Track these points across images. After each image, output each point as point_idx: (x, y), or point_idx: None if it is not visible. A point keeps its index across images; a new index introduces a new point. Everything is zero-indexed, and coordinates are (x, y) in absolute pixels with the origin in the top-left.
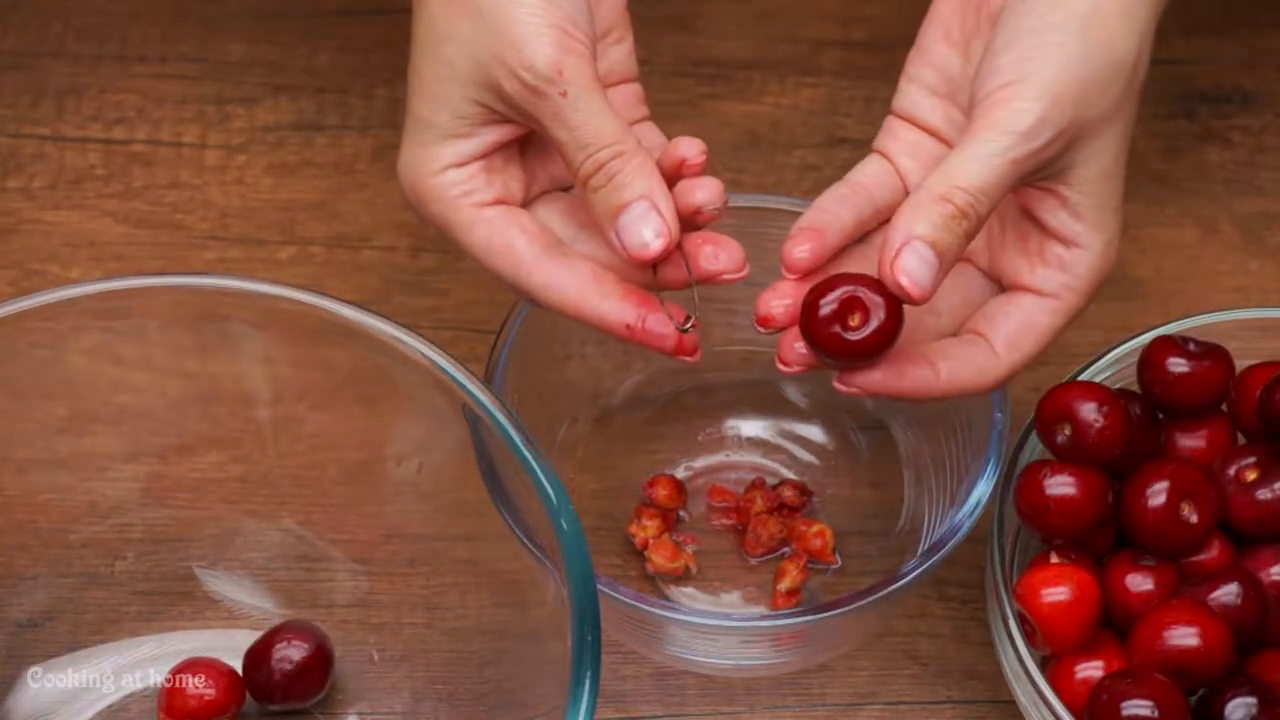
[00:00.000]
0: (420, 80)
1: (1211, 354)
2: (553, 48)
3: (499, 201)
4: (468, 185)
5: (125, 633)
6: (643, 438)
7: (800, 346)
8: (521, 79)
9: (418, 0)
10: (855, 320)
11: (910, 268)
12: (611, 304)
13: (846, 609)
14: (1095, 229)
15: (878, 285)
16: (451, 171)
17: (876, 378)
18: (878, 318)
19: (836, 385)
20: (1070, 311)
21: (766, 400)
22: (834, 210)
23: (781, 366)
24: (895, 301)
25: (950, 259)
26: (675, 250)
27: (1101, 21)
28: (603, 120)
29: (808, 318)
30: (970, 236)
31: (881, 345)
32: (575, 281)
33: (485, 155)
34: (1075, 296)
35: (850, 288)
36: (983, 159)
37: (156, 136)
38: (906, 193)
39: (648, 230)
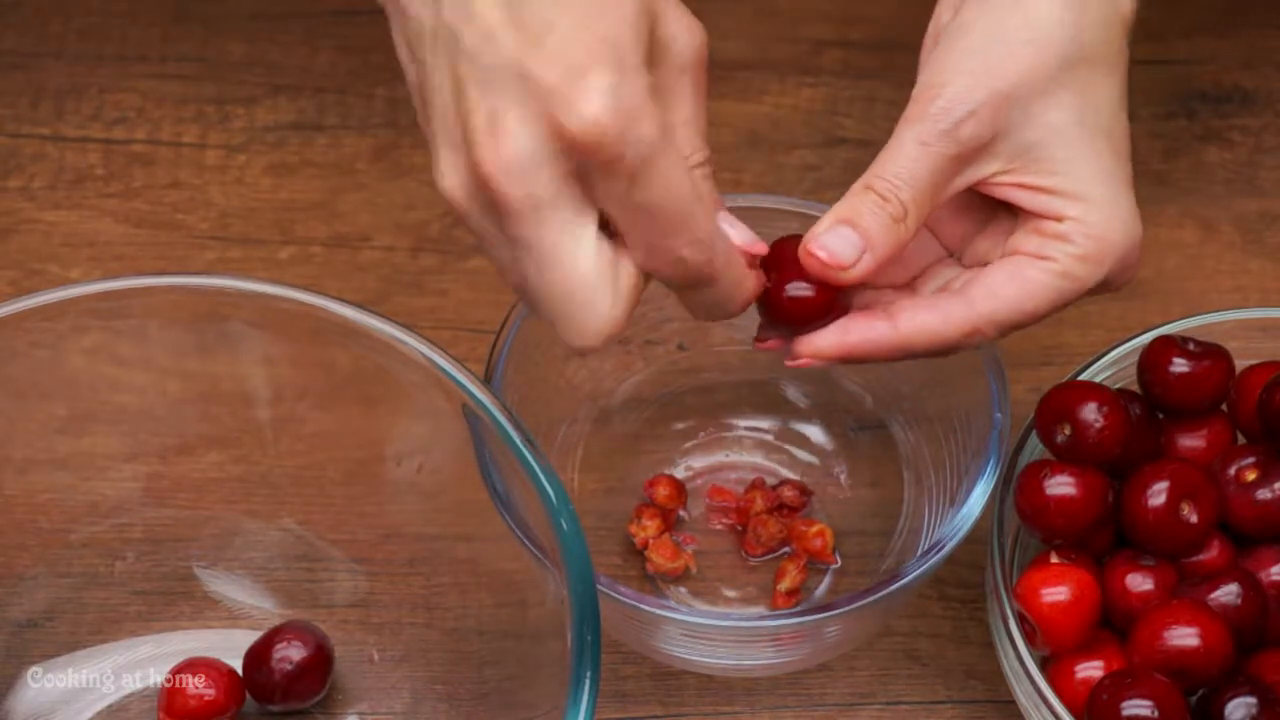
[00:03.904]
0: (603, 11)
1: (1211, 354)
2: None
3: None
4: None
5: (125, 633)
6: (643, 438)
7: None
8: (691, 35)
9: None
10: (796, 284)
11: (828, 242)
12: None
13: (846, 609)
14: (1074, 199)
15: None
16: (654, 100)
17: (821, 339)
18: (800, 281)
19: (787, 363)
20: (1067, 276)
21: (766, 400)
22: None
23: (756, 344)
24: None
25: (878, 242)
26: None
27: None
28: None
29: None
30: (899, 223)
31: (817, 306)
32: (751, 277)
33: None
34: (1071, 260)
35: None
36: (895, 148)
37: (156, 136)
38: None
39: (745, 228)
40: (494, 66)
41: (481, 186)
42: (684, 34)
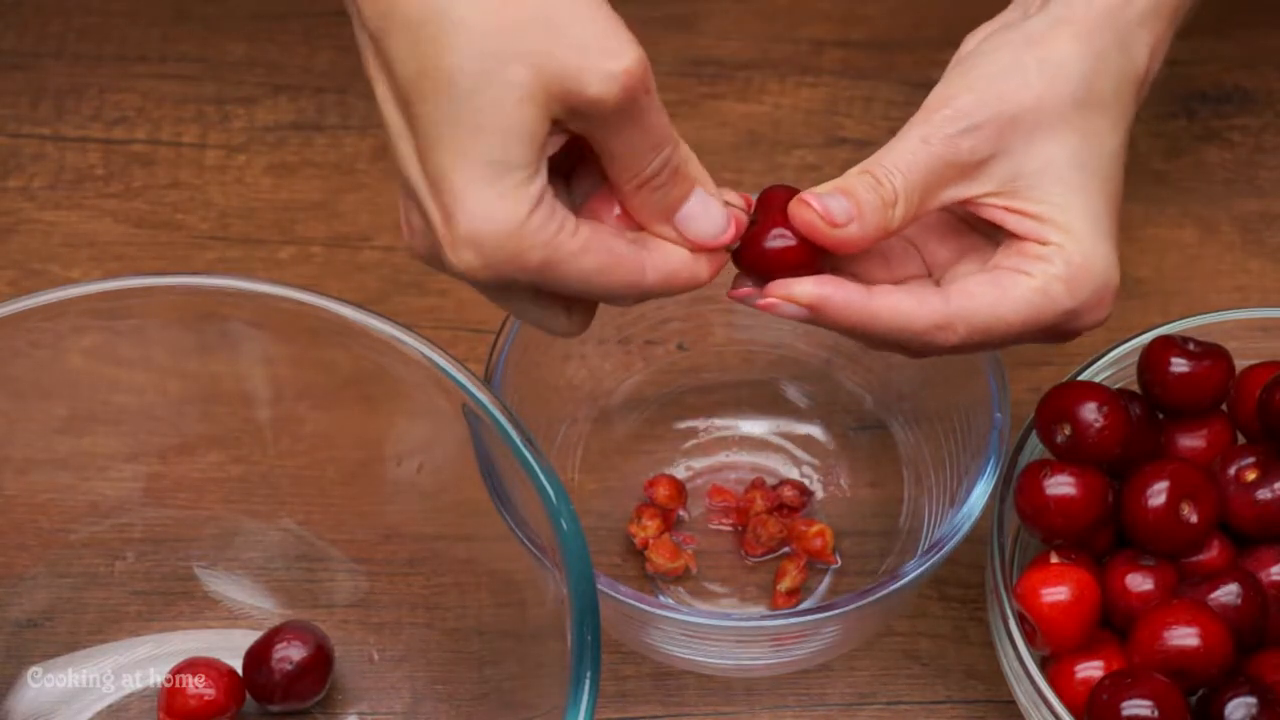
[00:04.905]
0: (478, 118)
1: (1211, 354)
2: (637, 46)
3: (576, 218)
4: (558, 214)
5: (125, 633)
6: (643, 438)
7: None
8: (619, 81)
9: (443, 47)
10: (779, 232)
11: (824, 200)
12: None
13: (846, 609)
14: (1060, 229)
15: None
16: (543, 208)
17: (797, 284)
18: (782, 231)
19: (758, 304)
20: (1043, 292)
21: (766, 400)
22: None
23: (730, 293)
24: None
25: (868, 216)
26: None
27: (1046, 37)
28: (664, 114)
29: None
30: (889, 205)
31: (797, 254)
32: (678, 254)
33: (547, 177)
34: (1049, 278)
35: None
36: (898, 142)
37: (156, 136)
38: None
39: (716, 214)
40: (401, 168)
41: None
42: (602, 83)
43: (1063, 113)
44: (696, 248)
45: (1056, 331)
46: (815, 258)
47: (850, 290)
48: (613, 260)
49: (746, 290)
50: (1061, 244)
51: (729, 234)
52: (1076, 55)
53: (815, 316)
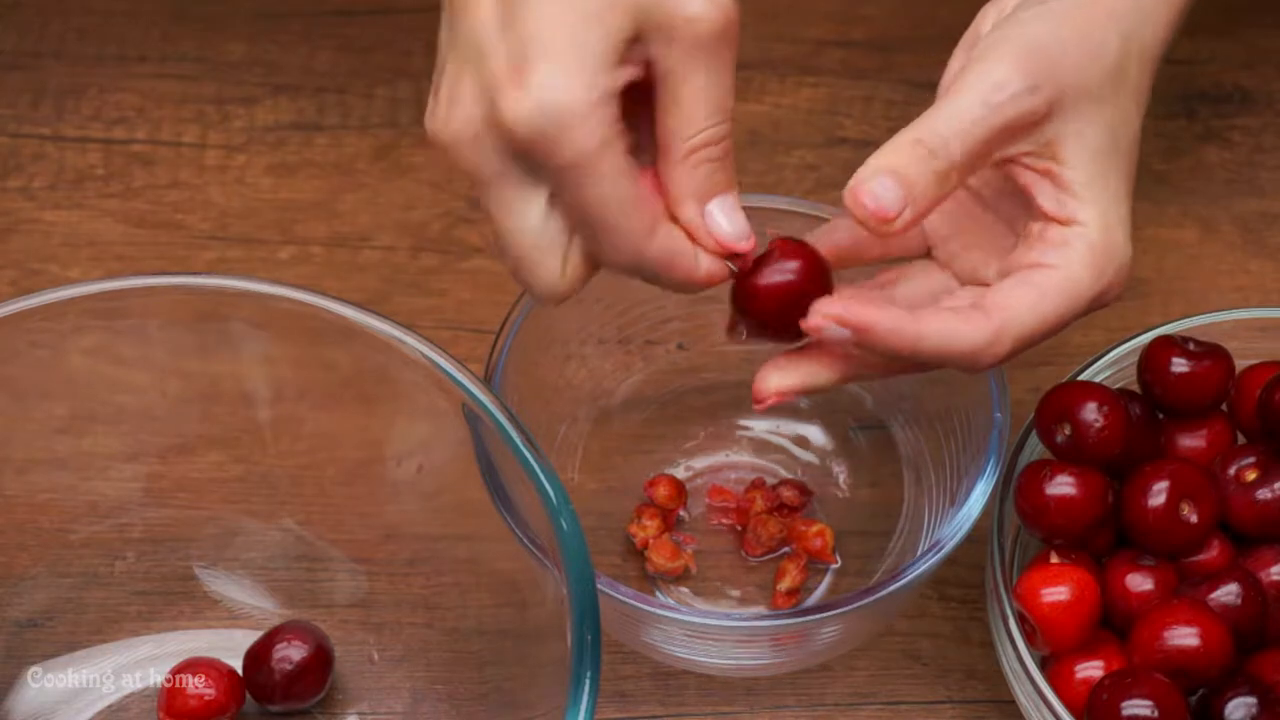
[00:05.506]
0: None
1: (1211, 354)
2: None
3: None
4: (619, 127)
5: (125, 633)
6: (643, 438)
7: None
8: (720, 8)
9: None
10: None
11: (875, 189)
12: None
13: (846, 609)
14: (1088, 204)
15: (797, 246)
16: (611, 107)
17: (834, 305)
18: (791, 267)
19: (803, 324)
20: (1073, 279)
21: None
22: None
23: (756, 406)
24: (812, 256)
25: (920, 194)
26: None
27: (1080, 15)
28: (733, 85)
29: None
30: (942, 179)
31: (791, 289)
32: (687, 243)
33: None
34: (1075, 265)
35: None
36: (953, 107)
37: (156, 136)
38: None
39: (742, 221)
40: (466, 36)
41: (438, 148)
42: (705, 10)
43: (1102, 90)
44: (714, 244)
45: (1086, 312)
46: (813, 297)
47: (894, 316)
48: (639, 203)
49: (773, 401)
50: (1085, 222)
51: (750, 241)
52: (1112, 37)
53: (861, 338)
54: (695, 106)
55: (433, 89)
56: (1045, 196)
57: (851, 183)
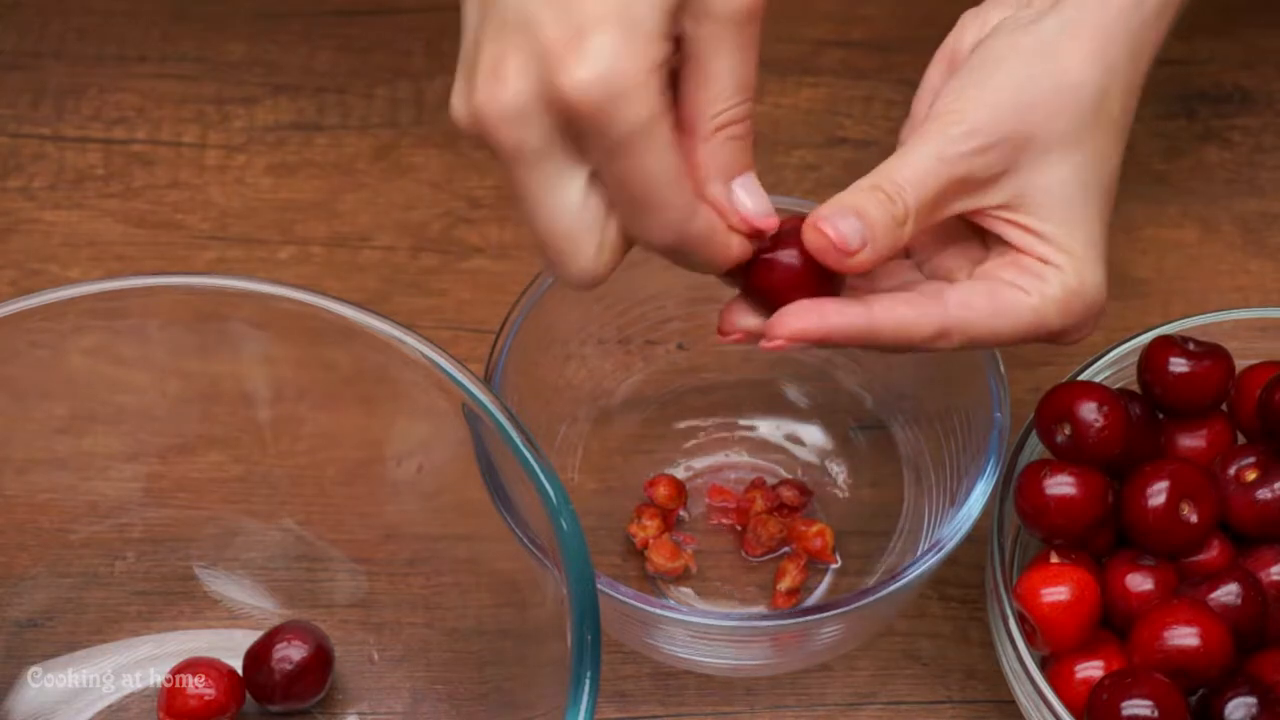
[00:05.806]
0: None
1: (1211, 354)
2: None
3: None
4: (667, 100)
5: (125, 633)
6: (643, 438)
7: (739, 317)
8: None
9: None
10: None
11: (837, 223)
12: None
13: (846, 609)
14: (1063, 251)
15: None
16: (662, 78)
17: (800, 320)
18: (793, 251)
19: (763, 345)
20: (1037, 312)
21: (766, 400)
22: None
23: (720, 335)
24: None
25: (879, 234)
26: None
27: (1061, 50)
28: (756, 63)
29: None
30: (900, 224)
31: (805, 279)
32: (721, 222)
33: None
34: (1044, 301)
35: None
36: (910, 156)
37: (156, 136)
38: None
39: (766, 199)
40: (510, 10)
41: (478, 126)
42: None
43: (1076, 134)
44: (740, 220)
45: (1041, 341)
46: (824, 279)
47: (851, 314)
48: (684, 179)
49: (738, 336)
50: (1061, 266)
51: (774, 219)
52: (1092, 76)
53: (822, 344)
54: (723, 83)
55: (463, 69)
56: (1019, 242)
57: (811, 217)
